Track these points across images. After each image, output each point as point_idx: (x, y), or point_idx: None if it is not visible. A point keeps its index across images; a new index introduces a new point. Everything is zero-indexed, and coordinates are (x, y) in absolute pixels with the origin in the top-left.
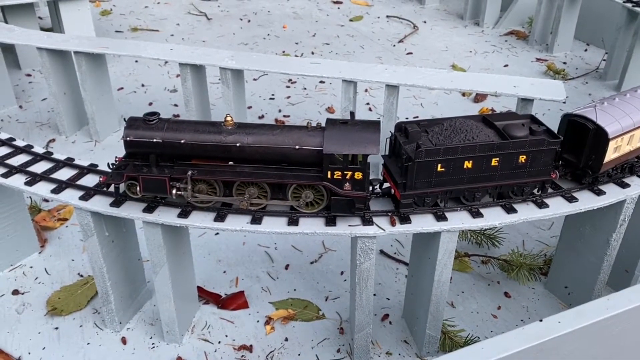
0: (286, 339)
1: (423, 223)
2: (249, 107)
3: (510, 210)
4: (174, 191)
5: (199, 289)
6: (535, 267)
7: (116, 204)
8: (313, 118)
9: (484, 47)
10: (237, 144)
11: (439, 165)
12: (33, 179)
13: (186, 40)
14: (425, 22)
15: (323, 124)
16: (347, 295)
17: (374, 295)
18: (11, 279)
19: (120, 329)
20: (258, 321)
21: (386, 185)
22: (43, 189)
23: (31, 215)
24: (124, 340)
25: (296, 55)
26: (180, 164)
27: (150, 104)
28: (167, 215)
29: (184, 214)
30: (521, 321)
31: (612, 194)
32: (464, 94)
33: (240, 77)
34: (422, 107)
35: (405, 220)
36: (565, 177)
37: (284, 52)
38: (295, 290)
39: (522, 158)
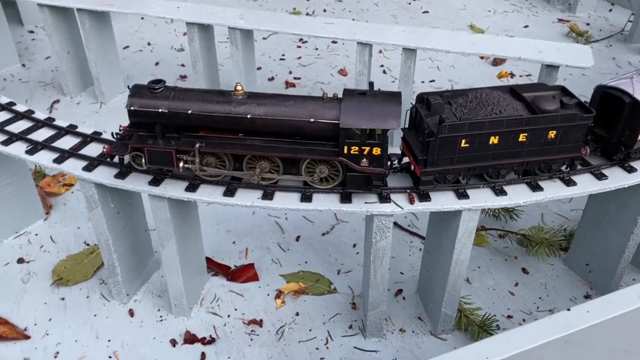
0: (297, 314)
1: (443, 201)
2: (259, 69)
3: (535, 187)
4: (181, 164)
5: (208, 260)
6: (555, 243)
7: (121, 175)
8: (325, 80)
9: (504, 5)
10: (248, 116)
11: (463, 141)
12: (34, 148)
13: None
14: None
15: (336, 90)
16: (360, 268)
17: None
18: (16, 247)
19: (127, 301)
20: (268, 294)
21: (405, 160)
22: (45, 158)
23: (35, 181)
24: (131, 313)
25: (307, 14)
26: (188, 135)
27: (157, 63)
28: (174, 189)
29: (191, 188)
30: (539, 299)
31: None
32: (482, 57)
33: (249, 38)
34: (438, 70)
35: (424, 197)
36: (595, 153)
37: (294, 9)
38: (306, 262)
39: (552, 133)
